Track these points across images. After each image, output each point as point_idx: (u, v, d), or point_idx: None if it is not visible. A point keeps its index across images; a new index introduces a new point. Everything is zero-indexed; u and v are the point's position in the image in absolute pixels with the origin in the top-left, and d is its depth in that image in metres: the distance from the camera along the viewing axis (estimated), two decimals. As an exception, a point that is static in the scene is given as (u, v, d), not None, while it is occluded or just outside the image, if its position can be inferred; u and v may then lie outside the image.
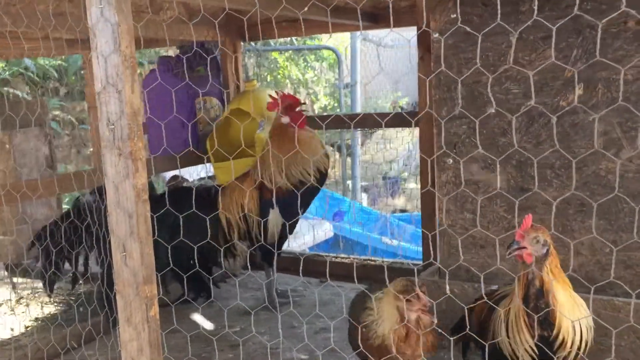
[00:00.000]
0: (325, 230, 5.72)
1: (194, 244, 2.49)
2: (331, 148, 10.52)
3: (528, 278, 1.83)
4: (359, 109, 8.94)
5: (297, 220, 3.38)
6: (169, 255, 2.91)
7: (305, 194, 3.14)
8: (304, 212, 3.42)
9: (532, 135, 2.68)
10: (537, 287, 1.81)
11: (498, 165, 2.72)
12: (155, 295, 1.68)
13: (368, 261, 3.94)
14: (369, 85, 11.43)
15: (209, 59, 3.99)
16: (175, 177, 4.31)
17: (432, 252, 3.21)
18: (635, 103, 2.42)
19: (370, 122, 3.88)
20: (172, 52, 5.06)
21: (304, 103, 3.37)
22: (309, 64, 12.35)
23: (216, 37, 3.87)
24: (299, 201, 3.02)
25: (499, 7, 2.47)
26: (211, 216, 2.83)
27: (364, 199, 9.06)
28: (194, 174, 4.94)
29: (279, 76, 11.77)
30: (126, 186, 1.60)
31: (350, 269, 3.80)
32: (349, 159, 9.03)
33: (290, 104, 3.28)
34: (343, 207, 7.15)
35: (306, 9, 2.11)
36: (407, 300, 1.92)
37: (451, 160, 2.88)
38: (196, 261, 2.77)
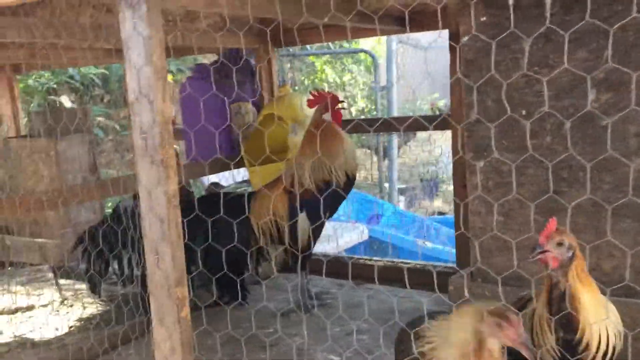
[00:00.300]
0: (360, 233, 5.76)
1: (224, 247, 2.56)
2: (368, 150, 10.54)
3: (552, 281, 1.83)
4: (395, 112, 8.94)
5: (323, 224, 3.42)
6: (200, 258, 3.01)
7: (330, 197, 3.18)
8: (329, 216, 3.45)
9: (563, 137, 2.66)
10: (560, 291, 1.81)
11: (514, 170, 2.71)
12: (186, 296, 1.74)
13: (400, 264, 3.96)
14: (407, 87, 11.42)
15: (243, 65, 4.07)
16: (214, 184, 4.40)
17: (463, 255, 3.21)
18: (668, 104, 2.39)
19: (390, 126, 3.91)
20: (208, 60, 5.17)
21: (343, 101, 3.44)
22: (346, 67, 12.42)
23: (250, 44, 3.95)
24: (321, 204, 3.06)
25: (511, 11, 2.47)
26: (239, 221, 2.90)
27: (401, 201, 9.05)
28: (229, 178, 5.04)
29: (316, 80, 11.88)
30: (158, 192, 1.67)
31: (382, 271, 3.83)
32: (387, 161, 9.04)
33: (329, 102, 3.35)
34: (379, 210, 7.17)
35: (326, 19, 2.16)
36: (497, 325, 1.67)
37: (482, 163, 2.88)
38: (225, 264, 2.84)
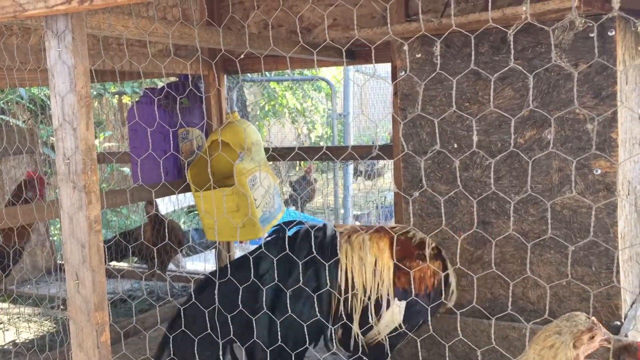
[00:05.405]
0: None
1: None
2: (325, 175, 10.65)
3: None
4: (351, 139, 9.07)
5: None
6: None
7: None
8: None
9: (491, 170, 2.77)
10: None
11: (443, 204, 2.80)
12: (106, 322, 1.76)
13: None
14: (366, 114, 11.61)
15: (192, 90, 4.11)
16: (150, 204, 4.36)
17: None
18: (587, 142, 2.52)
19: (327, 155, 4.01)
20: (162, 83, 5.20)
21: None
22: (306, 94, 12.55)
23: (200, 71, 4.00)
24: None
25: (437, 51, 2.58)
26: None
27: (356, 227, 9.11)
28: (171, 205, 5.02)
29: (277, 106, 11.98)
30: (80, 217, 1.69)
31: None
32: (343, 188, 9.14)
33: None
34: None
35: (267, 51, 2.22)
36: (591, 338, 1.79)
37: (417, 194, 2.97)
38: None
